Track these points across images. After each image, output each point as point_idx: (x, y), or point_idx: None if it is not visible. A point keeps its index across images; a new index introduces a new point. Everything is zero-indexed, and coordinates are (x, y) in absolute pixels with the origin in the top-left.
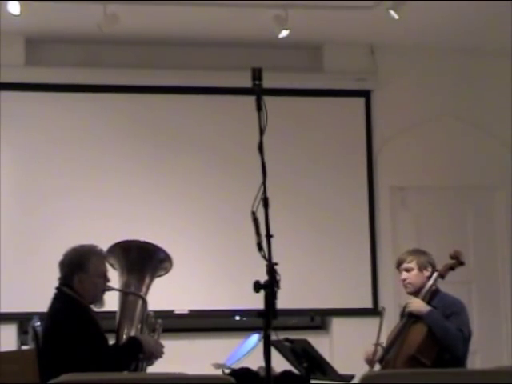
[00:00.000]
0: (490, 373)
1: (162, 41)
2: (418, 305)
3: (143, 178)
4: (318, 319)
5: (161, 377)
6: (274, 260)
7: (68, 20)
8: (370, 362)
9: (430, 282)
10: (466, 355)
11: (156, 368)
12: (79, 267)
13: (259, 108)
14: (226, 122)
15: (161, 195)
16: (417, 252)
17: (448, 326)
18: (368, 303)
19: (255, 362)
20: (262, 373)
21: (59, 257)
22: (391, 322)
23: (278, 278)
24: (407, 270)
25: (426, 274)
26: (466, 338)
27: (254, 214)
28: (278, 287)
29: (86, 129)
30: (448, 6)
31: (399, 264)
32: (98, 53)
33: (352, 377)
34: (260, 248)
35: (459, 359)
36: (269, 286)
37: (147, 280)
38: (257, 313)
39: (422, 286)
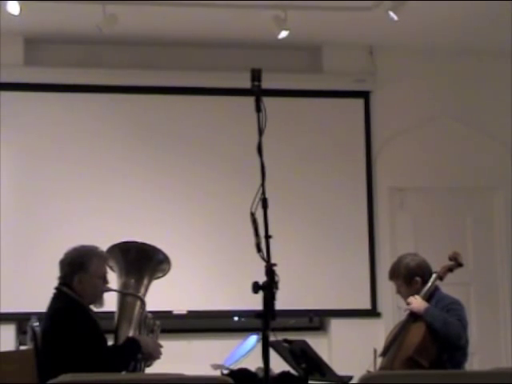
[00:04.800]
0: (489, 374)
1: (162, 41)
2: (417, 303)
3: (142, 179)
4: (317, 320)
5: (159, 377)
6: (273, 261)
7: (67, 20)
8: None
9: (429, 284)
10: (467, 352)
11: (154, 369)
12: (80, 267)
13: (258, 109)
14: (225, 122)
15: (159, 196)
16: (400, 269)
17: (447, 317)
18: (367, 304)
19: (254, 363)
20: (261, 374)
21: (58, 257)
22: (389, 323)
23: (276, 278)
24: (397, 286)
25: (416, 286)
26: (465, 327)
27: (252, 214)
28: (276, 288)
29: (85, 129)
30: (447, 7)
31: (389, 278)
32: (98, 53)
33: (350, 378)
34: (259, 249)
35: (459, 363)
36: (267, 287)
37: (145, 281)
38: (255, 314)
39: (418, 292)
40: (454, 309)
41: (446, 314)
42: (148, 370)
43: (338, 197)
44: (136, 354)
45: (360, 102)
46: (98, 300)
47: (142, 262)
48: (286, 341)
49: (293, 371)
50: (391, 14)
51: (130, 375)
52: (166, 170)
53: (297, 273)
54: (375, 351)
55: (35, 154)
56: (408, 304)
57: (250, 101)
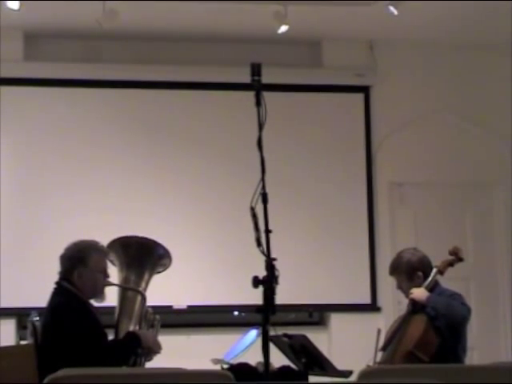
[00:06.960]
0: (488, 369)
1: (161, 36)
2: (419, 292)
3: (142, 174)
4: (317, 315)
5: (159, 372)
6: (273, 255)
7: (67, 15)
8: None
9: (429, 279)
10: (466, 346)
11: (154, 363)
12: (80, 262)
13: (258, 103)
14: (225, 117)
15: (160, 191)
16: (401, 264)
17: (450, 301)
18: (366, 299)
19: (254, 358)
20: (261, 368)
21: (58, 252)
22: (390, 318)
23: (276, 273)
24: (398, 281)
25: (418, 281)
26: (470, 311)
27: (252, 209)
28: (276, 283)
29: (85, 124)
30: (447, 2)
31: (390, 273)
32: (97, 48)
33: (350, 372)
34: (259, 243)
35: (458, 358)
36: (267, 282)
37: (146, 276)
38: (255, 308)
39: (419, 287)
40: (456, 298)
41: (448, 299)
42: (148, 365)
43: (338, 191)
44: (136, 349)
45: (360, 96)
46: (99, 294)
47: (143, 256)
48: (285, 335)
49: (293, 366)
50: (391, 8)
51: (130, 369)
52: (167, 164)
53: (297, 267)
54: (379, 331)
55: (35, 149)
56: (410, 294)
57: (250, 95)
